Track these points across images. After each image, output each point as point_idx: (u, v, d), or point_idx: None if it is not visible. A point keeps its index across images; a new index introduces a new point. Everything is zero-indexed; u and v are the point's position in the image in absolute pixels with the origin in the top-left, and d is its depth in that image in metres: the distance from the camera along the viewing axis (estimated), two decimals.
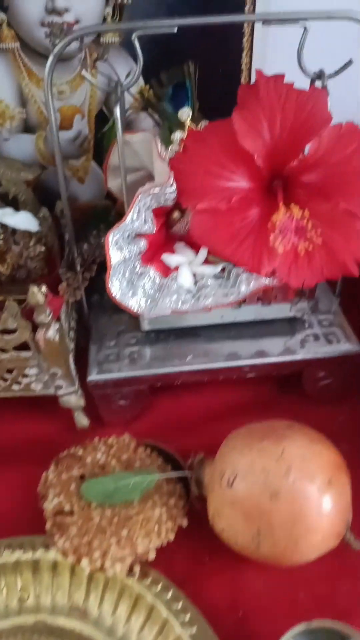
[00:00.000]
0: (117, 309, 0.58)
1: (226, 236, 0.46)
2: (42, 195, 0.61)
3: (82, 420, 0.59)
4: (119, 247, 0.47)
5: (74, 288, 0.53)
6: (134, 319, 0.58)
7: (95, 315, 0.63)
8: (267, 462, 0.42)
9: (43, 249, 0.58)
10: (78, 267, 0.56)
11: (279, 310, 0.58)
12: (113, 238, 0.46)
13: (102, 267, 0.50)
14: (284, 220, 0.43)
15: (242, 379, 0.59)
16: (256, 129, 0.43)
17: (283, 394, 0.65)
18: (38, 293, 0.46)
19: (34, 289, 0.46)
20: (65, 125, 0.59)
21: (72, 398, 0.56)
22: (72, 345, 0.58)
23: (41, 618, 0.45)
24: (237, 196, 0.44)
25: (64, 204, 0.53)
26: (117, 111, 0.45)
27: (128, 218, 0.45)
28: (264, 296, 0.55)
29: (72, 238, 0.56)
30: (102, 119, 0.59)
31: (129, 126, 0.59)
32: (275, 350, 0.58)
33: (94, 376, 0.55)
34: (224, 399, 0.64)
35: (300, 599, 0.46)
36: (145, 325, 0.57)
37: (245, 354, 0.57)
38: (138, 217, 0.46)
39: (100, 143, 0.61)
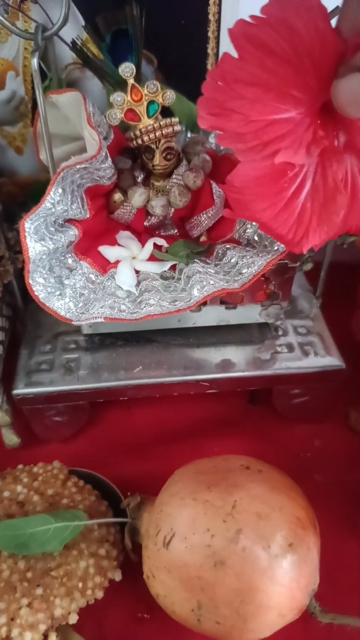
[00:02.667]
0: None
1: (273, 189, 0.30)
2: None
3: (11, 437, 0.50)
4: (40, 237, 0.37)
5: None
6: None
7: (33, 310, 0.53)
8: (212, 521, 0.33)
9: None
10: (6, 256, 0.46)
11: (247, 314, 0.48)
12: (30, 226, 0.36)
13: None
14: None
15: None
16: None
17: (251, 408, 0.56)
18: None
19: None
20: None
21: None
22: None
23: None
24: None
25: None
26: (34, 63, 0.35)
27: (47, 200, 0.36)
28: (228, 298, 0.46)
29: None
30: (41, 77, 0.49)
31: (72, 88, 0.49)
32: (241, 363, 0.48)
33: (20, 389, 0.46)
34: (183, 413, 0.55)
35: None
36: (87, 329, 0.48)
37: (206, 366, 0.48)
38: (63, 199, 0.36)
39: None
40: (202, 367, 0.48)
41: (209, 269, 0.39)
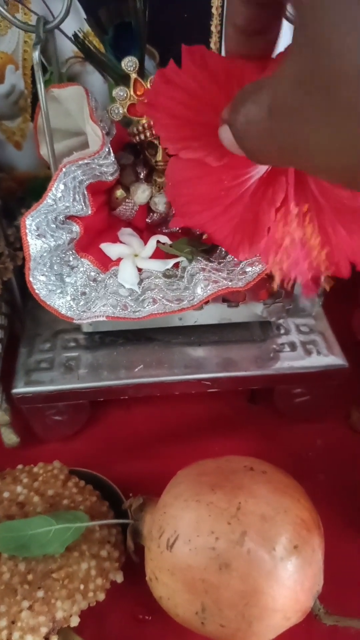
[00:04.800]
0: None
1: (208, 195, 0.34)
2: None
3: (11, 437, 0.49)
4: (41, 234, 0.36)
5: None
6: None
7: (32, 308, 0.53)
8: (217, 523, 0.33)
9: None
10: (5, 253, 0.46)
11: (249, 312, 0.48)
12: (32, 223, 0.35)
13: None
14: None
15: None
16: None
17: (252, 407, 0.55)
18: None
19: None
20: None
21: None
22: None
23: None
24: None
25: None
26: (36, 56, 0.34)
27: (49, 196, 0.35)
28: (230, 297, 0.45)
29: None
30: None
31: (73, 82, 0.48)
32: (243, 362, 0.48)
33: (20, 388, 0.45)
34: (184, 412, 0.54)
35: None
36: (87, 327, 0.47)
37: (207, 364, 0.48)
38: (65, 195, 0.36)
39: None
40: (203, 366, 0.48)
41: (212, 268, 0.39)
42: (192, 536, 0.33)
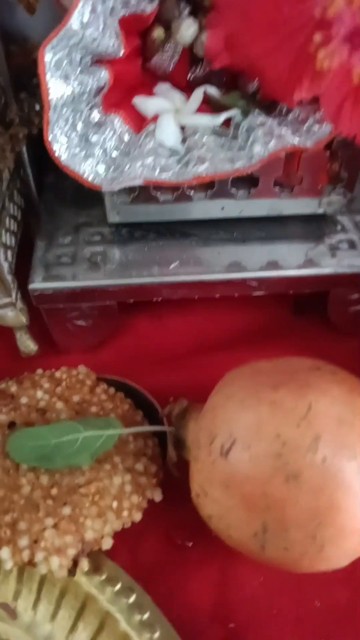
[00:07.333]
0: (78, 195, 0.42)
1: (264, 21, 0.28)
2: None
3: (27, 344, 0.43)
4: (64, 75, 0.29)
5: (2, 149, 0.35)
6: (100, 210, 0.41)
7: (49, 201, 0.46)
8: (283, 425, 0.27)
9: None
10: (16, 121, 0.38)
11: (302, 203, 0.41)
12: (52, 57, 0.28)
13: None
14: (341, 15, 0.25)
15: (246, 297, 0.43)
16: None
17: (297, 319, 0.49)
18: None
19: None
20: None
21: (8, 313, 0.40)
22: (10, 240, 0.42)
23: None
24: None
25: None
26: None
27: (73, 17, 0.27)
28: (284, 177, 0.38)
29: (8, 83, 0.38)
30: None
31: None
32: (293, 260, 0.41)
33: (38, 283, 0.39)
34: (221, 322, 0.48)
35: (314, 611, 0.33)
36: (114, 217, 0.40)
37: (253, 263, 0.41)
38: (93, 23, 0.28)
39: None
40: (248, 265, 0.41)
41: (273, 122, 0.31)
42: (253, 441, 0.27)
